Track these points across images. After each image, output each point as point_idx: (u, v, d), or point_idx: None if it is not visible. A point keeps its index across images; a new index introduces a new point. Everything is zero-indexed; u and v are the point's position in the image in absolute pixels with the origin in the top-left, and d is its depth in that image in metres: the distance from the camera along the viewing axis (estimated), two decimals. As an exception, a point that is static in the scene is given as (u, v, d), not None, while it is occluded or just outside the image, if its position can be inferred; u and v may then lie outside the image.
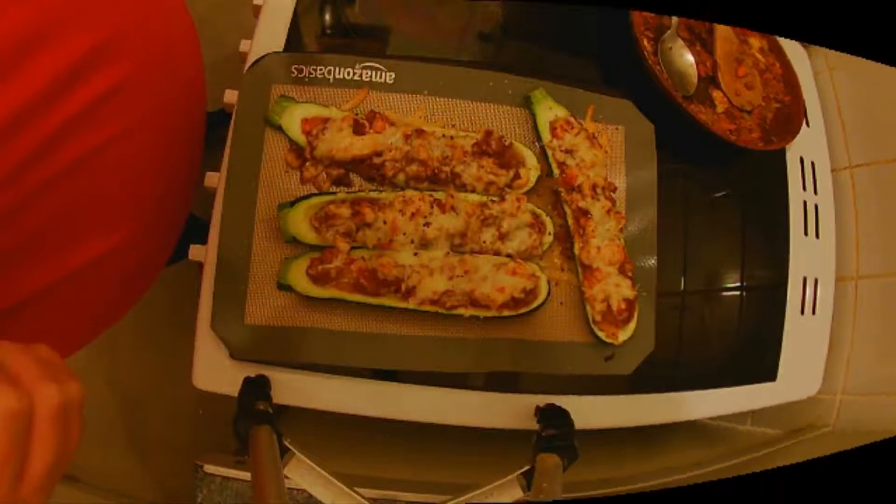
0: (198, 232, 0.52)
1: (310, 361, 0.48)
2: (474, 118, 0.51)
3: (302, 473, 0.39)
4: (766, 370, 0.57)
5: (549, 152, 0.50)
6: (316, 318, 0.47)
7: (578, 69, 0.59)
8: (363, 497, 0.39)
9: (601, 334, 0.48)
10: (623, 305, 0.48)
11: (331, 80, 0.50)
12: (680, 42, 0.56)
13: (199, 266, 0.50)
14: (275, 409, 0.43)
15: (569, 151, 0.49)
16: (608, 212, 0.49)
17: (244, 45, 0.57)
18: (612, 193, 0.50)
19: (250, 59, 0.52)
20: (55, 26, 0.34)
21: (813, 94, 0.65)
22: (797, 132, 0.57)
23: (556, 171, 0.50)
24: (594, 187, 0.49)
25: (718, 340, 0.57)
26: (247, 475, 0.48)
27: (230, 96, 0.53)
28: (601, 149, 0.50)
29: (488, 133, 0.49)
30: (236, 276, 0.48)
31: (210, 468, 0.49)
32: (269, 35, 0.55)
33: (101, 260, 0.43)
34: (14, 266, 0.37)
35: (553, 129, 0.50)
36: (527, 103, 0.51)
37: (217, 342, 0.48)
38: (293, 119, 0.49)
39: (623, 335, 0.49)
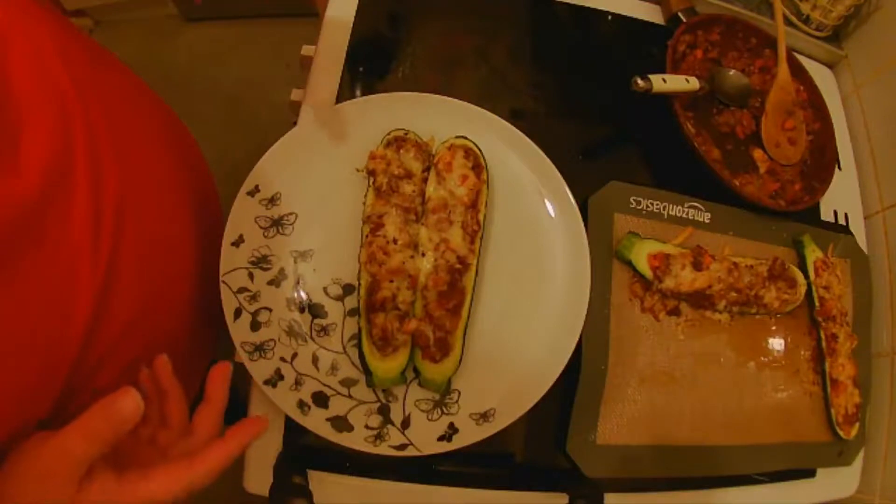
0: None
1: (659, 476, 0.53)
2: (758, 255, 0.60)
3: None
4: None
5: (814, 288, 0.61)
6: (661, 436, 0.53)
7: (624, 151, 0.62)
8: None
9: (841, 433, 0.61)
10: (854, 410, 0.62)
11: (665, 217, 0.56)
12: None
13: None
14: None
15: (826, 287, 0.61)
16: (847, 335, 0.62)
17: (296, 95, 0.56)
18: (847, 319, 0.63)
19: (304, 108, 0.53)
20: None
21: (840, 116, 0.70)
22: (833, 167, 0.62)
23: (816, 303, 0.61)
24: (843, 315, 0.61)
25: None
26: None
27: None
28: (844, 282, 0.63)
29: (776, 259, 0.58)
30: (592, 399, 0.51)
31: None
32: (322, 84, 0.55)
33: None
34: None
35: (815, 268, 0.61)
36: (796, 245, 0.61)
37: (267, 446, 0.47)
38: (640, 254, 0.53)
39: (853, 431, 0.62)
